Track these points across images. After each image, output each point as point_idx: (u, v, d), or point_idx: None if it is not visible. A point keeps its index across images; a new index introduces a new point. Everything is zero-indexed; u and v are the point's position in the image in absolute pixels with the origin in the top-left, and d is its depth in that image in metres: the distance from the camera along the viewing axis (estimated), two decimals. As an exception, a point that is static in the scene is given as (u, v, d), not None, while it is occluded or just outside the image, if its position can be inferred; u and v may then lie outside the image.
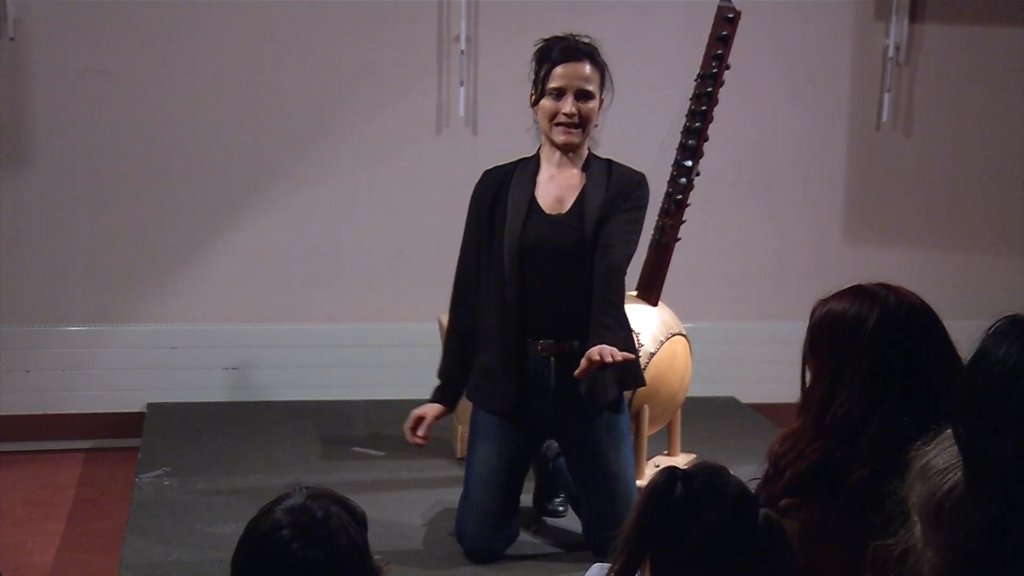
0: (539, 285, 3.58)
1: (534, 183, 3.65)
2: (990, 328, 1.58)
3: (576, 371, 3.41)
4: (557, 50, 3.61)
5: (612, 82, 3.66)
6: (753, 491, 2.07)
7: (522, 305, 3.59)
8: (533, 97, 3.64)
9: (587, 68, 3.60)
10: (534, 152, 3.71)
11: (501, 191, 3.66)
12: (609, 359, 3.34)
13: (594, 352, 3.36)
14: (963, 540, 1.53)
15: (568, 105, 3.56)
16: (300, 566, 1.79)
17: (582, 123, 3.59)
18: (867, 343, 2.16)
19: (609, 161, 3.68)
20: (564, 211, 3.61)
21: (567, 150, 3.63)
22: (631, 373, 3.63)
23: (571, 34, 3.67)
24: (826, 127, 5.59)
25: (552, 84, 3.58)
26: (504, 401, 3.62)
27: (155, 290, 5.16)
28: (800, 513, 2.15)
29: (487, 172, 3.74)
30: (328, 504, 1.86)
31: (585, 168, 3.65)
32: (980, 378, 1.55)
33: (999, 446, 1.50)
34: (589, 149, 3.68)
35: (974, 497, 1.53)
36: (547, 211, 3.61)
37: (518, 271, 3.58)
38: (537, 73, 3.63)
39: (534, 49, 3.66)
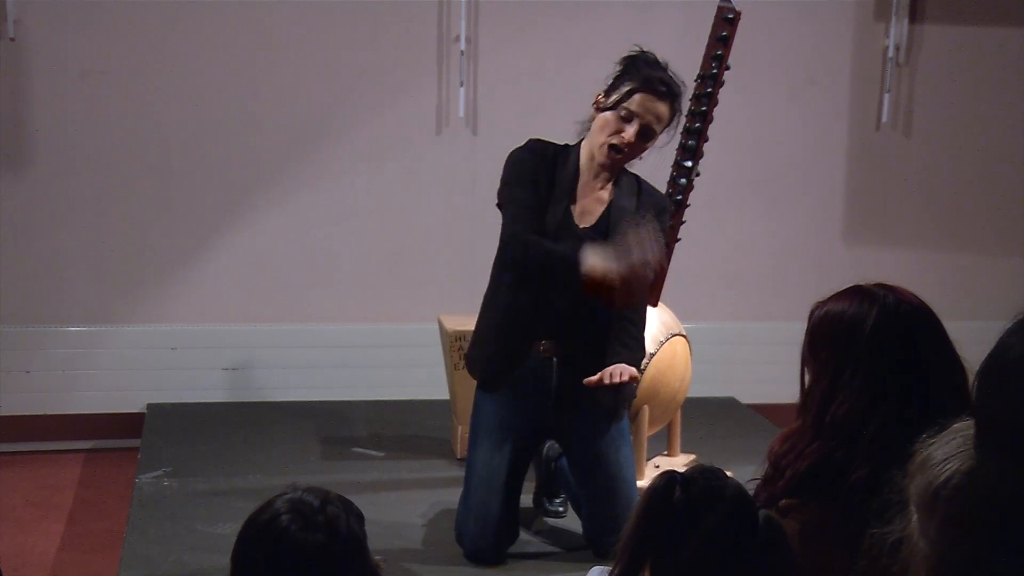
0: (552, 292, 3.57)
1: (574, 193, 3.58)
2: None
3: (586, 379, 3.43)
4: (645, 76, 3.52)
5: (677, 126, 3.65)
6: (752, 492, 2.07)
7: (531, 308, 3.58)
8: (600, 99, 3.57)
9: (665, 109, 3.54)
10: (574, 143, 3.65)
11: (549, 176, 3.57)
12: (617, 379, 3.38)
13: (614, 374, 3.39)
14: (963, 519, 1.53)
15: (630, 135, 3.51)
16: (300, 549, 1.80)
17: (629, 155, 3.56)
18: (866, 343, 2.16)
19: (637, 178, 3.67)
20: (589, 225, 3.59)
21: (603, 167, 3.58)
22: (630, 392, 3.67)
23: (666, 63, 3.59)
24: (826, 127, 5.59)
25: (626, 105, 3.51)
26: (505, 391, 3.63)
27: (155, 290, 5.16)
28: (800, 513, 2.15)
29: (537, 142, 3.62)
30: (326, 495, 1.88)
31: (616, 182, 3.62)
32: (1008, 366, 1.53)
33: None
34: None
35: (985, 470, 1.51)
36: (577, 222, 3.59)
37: (538, 278, 3.57)
38: (618, 80, 3.56)
39: (628, 53, 3.59)
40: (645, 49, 3.61)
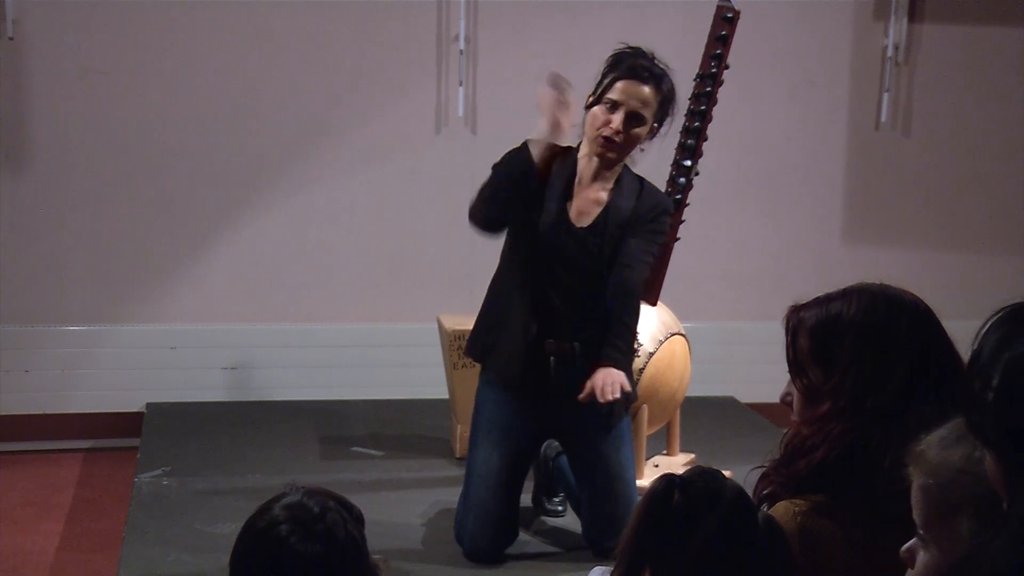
0: (549, 290, 3.57)
1: (571, 191, 3.60)
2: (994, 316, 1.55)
3: (580, 396, 3.44)
4: (627, 64, 3.55)
5: (675, 111, 3.62)
6: (757, 480, 2.07)
7: (531, 306, 3.59)
8: (590, 99, 3.59)
9: (648, 91, 3.54)
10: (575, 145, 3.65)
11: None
12: (609, 397, 3.39)
13: (605, 390, 3.40)
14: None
15: (617, 122, 3.51)
16: (298, 560, 1.79)
17: (625, 144, 3.56)
18: (904, 335, 2.15)
19: (641, 179, 3.66)
20: (586, 224, 3.59)
21: (603, 163, 3.59)
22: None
23: (651, 52, 3.60)
24: (825, 127, 5.59)
25: (609, 95, 3.53)
26: (512, 381, 3.63)
27: (154, 290, 5.16)
28: (834, 517, 2.11)
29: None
30: (325, 500, 1.87)
31: (616, 182, 3.62)
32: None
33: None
34: (625, 163, 3.65)
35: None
36: (573, 221, 3.59)
37: (536, 276, 3.57)
38: (602, 79, 3.58)
39: (611, 53, 3.61)
40: (632, 45, 3.63)
